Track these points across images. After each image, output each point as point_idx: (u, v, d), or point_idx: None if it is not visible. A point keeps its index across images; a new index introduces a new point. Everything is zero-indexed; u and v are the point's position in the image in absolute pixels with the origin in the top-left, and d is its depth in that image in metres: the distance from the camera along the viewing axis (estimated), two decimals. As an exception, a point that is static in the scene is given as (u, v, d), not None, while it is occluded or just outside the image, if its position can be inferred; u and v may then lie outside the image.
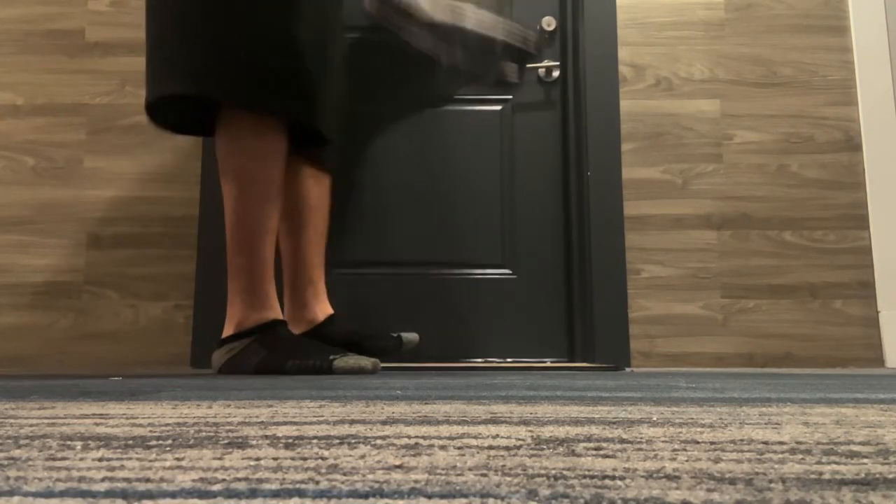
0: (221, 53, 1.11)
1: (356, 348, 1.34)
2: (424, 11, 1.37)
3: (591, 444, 0.33)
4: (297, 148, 1.29)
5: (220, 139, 1.17)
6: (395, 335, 1.40)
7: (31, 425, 0.40)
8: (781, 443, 0.33)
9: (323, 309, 1.39)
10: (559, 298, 1.77)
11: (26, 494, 0.23)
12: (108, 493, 0.23)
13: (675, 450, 0.31)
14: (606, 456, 0.30)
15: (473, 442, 0.33)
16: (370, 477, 0.25)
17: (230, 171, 1.15)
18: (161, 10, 1.15)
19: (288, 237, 1.38)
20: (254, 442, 0.33)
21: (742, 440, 0.34)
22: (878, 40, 1.79)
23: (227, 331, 1.17)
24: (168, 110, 1.21)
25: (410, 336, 1.36)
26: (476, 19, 1.40)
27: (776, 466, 0.27)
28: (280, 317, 1.18)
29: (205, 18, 1.12)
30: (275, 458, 0.29)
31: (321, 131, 1.21)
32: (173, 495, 0.23)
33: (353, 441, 0.33)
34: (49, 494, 0.23)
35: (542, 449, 0.31)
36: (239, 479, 0.25)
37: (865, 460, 0.29)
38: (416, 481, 0.25)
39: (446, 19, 1.37)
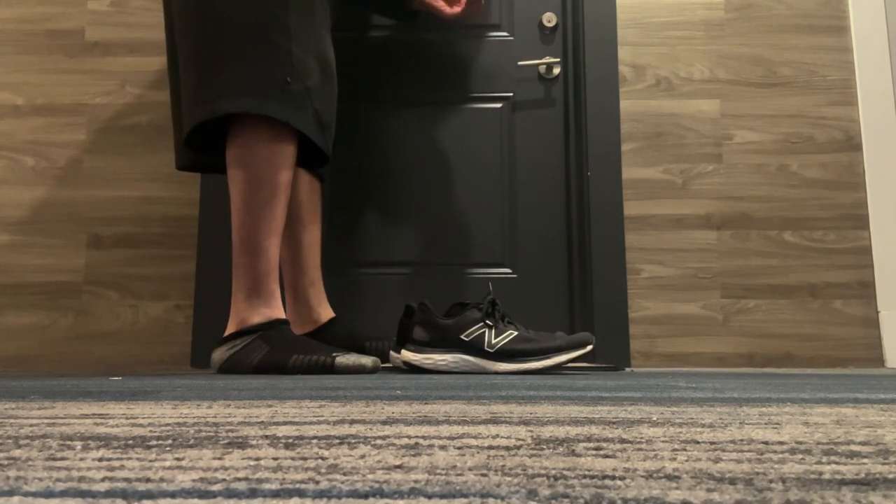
0: (270, 73, 1.16)
1: (356, 350, 1.37)
2: None
3: (591, 444, 0.33)
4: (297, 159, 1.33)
5: (233, 145, 1.19)
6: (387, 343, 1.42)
7: (31, 425, 0.40)
8: (781, 443, 0.33)
9: (325, 311, 1.42)
10: (559, 298, 1.77)
11: (26, 494, 0.23)
12: (108, 493, 0.23)
13: (675, 450, 0.31)
14: (606, 456, 0.30)
15: (473, 442, 0.33)
16: (370, 477, 0.25)
17: (241, 174, 1.18)
18: (208, 35, 1.18)
19: (288, 241, 1.41)
20: (254, 442, 0.33)
21: (742, 440, 0.34)
22: (878, 40, 1.79)
23: (230, 329, 1.18)
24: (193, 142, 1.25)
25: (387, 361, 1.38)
26: None
27: (776, 466, 0.27)
28: (283, 316, 1.19)
29: (252, 40, 1.17)
30: (275, 458, 0.29)
31: (322, 148, 1.26)
32: (173, 495, 0.23)
33: (353, 441, 0.33)
34: (49, 494, 0.23)
35: (542, 449, 0.31)
36: (239, 479, 0.25)
37: (865, 460, 0.29)
38: (416, 481, 0.25)
39: None
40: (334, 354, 1.12)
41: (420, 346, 1.17)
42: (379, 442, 0.33)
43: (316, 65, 1.21)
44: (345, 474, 0.26)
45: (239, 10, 1.17)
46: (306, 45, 1.20)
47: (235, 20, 1.17)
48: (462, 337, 1.15)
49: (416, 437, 0.35)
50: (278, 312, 1.19)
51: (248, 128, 1.18)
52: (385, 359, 1.37)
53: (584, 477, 0.25)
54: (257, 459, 0.29)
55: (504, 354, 1.14)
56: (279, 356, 1.12)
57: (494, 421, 0.41)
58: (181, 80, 1.23)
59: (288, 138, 1.20)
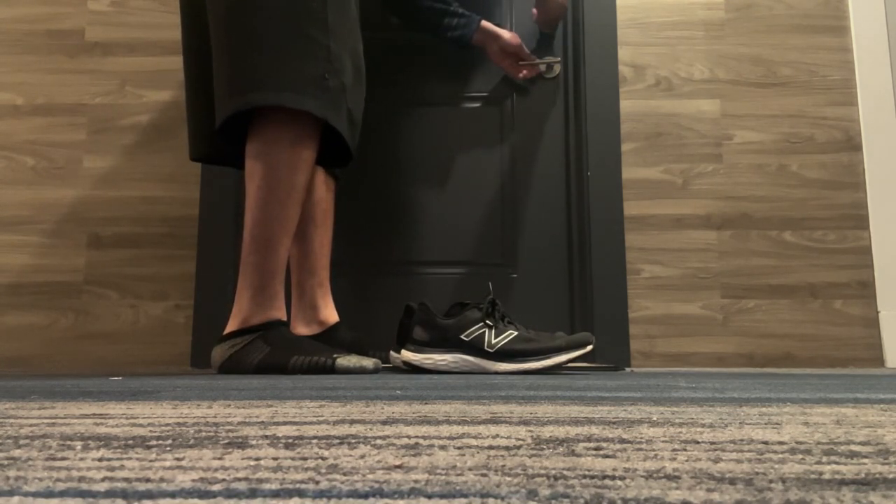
0: (308, 68, 1.15)
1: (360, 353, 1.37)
2: None
3: (591, 444, 0.33)
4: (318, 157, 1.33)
5: (255, 140, 1.17)
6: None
7: (31, 425, 0.40)
8: (781, 443, 0.33)
9: (331, 314, 1.42)
10: (559, 298, 1.77)
11: (26, 494, 0.23)
12: (108, 493, 0.23)
13: (675, 450, 0.31)
14: (606, 456, 0.30)
15: (473, 442, 0.33)
16: (370, 477, 0.25)
17: (259, 171, 1.16)
18: (243, 26, 1.16)
19: (299, 240, 1.40)
20: (254, 442, 0.33)
21: (742, 440, 0.34)
22: (878, 40, 1.79)
23: (231, 327, 1.18)
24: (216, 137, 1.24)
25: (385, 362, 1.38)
26: None
27: (776, 466, 0.27)
28: (284, 318, 1.19)
29: (286, 34, 1.15)
30: (275, 458, 0.29)
31: (352, 148, 1.24)
32: (173, 495, 0.23)
33: (353, 441, 0.33)
34: (49, 494, 0.23)
35: (542, 449, 0.31)
36: (239, 479, 0.25)
37: (865, 460, 0.29)
38: (416, 481, 0.25)
39: None
40: (335, 356, 1.12)
41: (420, 346, 1.17)
42: (379, 442, 0.33)
43: (350, 62, 1.20)
44: (345, 474, 0.26)
45: (276, 1, 1.15)
46: (343, 41, 1.18)
47: (272, 11, 1.15)
48: (462, 337, 1.15)
49: (416, 437, 0.35)
50: (280, 314, 1.19)
51: (272, 124, 1.16)
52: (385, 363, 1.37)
53: (584, 477, 0.25)
54: (257, 459, 0.29)
55: (504, 354, 1.14)
56: (280, 357, 1.12)
57: (494, 421, 0.41)
58: (214, 70, 1.21)
59: (311, 139, 1.18)
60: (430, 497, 0.22)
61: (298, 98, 1.13)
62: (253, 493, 0.23)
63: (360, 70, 1.24)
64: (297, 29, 1.15)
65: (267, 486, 0.24)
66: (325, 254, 1.43)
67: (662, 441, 0.34)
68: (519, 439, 0.34)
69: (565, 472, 0.26)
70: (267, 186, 1.16)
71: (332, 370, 1.10)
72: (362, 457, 0.29)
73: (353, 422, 0.41)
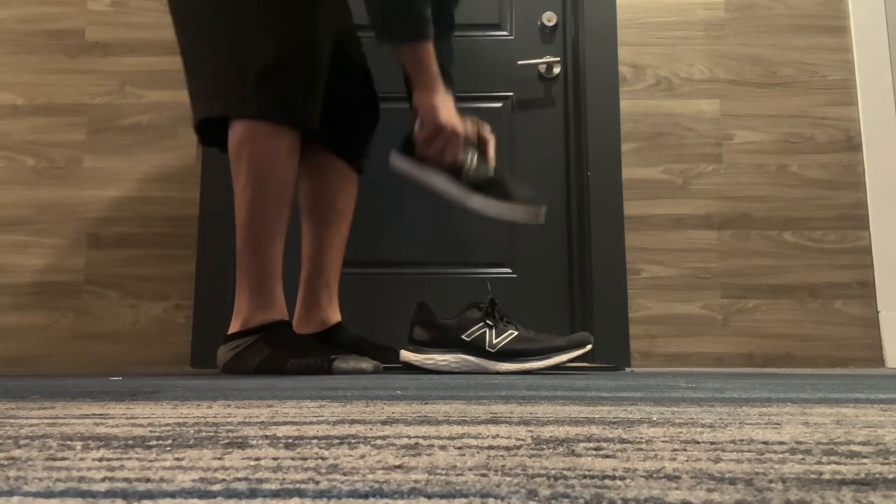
0: (225, 70, 1.18)
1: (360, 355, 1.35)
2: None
3: (591, 444, 0.33)
4: (336, 150, 1.34)
5: (232, 141, 1.18)
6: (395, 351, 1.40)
7: (31, 425, 0.40)
8: (781, 443, 0.33)
9: (333, 314, 1.41)
10: (560, 298, 1.77)
11: (26, 494, 0.23)
12: (108, 493, 0.23)
13: (675, 450, 0.31)
14: (606, 456, 0.30)
15: (473, 442, 0.33)
16: (370, 477, 0.25)
17: (242, 172, 1.17)
18: (192, 33, 1.22)
19: (312, 238, 1.39)
20: (254, 442, 0.33)
21: (742, 440, 0.34)
22: (878, 40, 1.79)
23: (234, 327, 1.18)
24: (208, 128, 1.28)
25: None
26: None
27: (776, 466, 0.27)
28: (285, 317, 1.20)
29: (230, 36, 1.18)
30: (275, 458, 0.29)
31: (293, 125, 1.23)
32: (173, 495, 0.23)
33: (353, 441, 0.33)
34: (49, 494, 0.23)
35: (542, 449, 0.31)
36: (239, 479, 0.25)
37: (865, 460, 0.29)
38: (416, 481, 0.25)
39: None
40: (332, 357, 1.11)
41: (420, 347, 1.17)
42: (379, 442, 0.33)
43: (272, 40, 1.17)
44: (345, 474, 0.26)
45: (198, 16, 1.20)
46: (265, 25, 1.17)
47: (195, 25, 1.21)
48: (463, 337, 1.15)
49: (416, 437, 0.35)
50: (279, 314, 1.19)
51: (240, 125, 1.17)
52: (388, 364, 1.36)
53: (584, 477, 0.25)
54: (257, 459, 0.29)
55: (505, 354, 1.14)
56: (279, 360, 1.12)
57: (494, 421, 0.41)
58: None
59: (287, 131, 1.18)
60: (430, 497, 0.22)
61: (213, 104, 1.18)
62: (253, 493, 0.23)
63: (301, 42, 1.19)
64: (215, 36, 1.19)
65: (267, 486, 0.24)
66: (335, 255, 1.40)
67: (662, 441, 0.34)
68: (519, 439, 0.34)
69: (565, 472, 0.26)
70: (251, 187, 1.16)
71: (328, 373, 1.10)
72: (362, 457, 0.29)
73: (353, 422, 0.41)
